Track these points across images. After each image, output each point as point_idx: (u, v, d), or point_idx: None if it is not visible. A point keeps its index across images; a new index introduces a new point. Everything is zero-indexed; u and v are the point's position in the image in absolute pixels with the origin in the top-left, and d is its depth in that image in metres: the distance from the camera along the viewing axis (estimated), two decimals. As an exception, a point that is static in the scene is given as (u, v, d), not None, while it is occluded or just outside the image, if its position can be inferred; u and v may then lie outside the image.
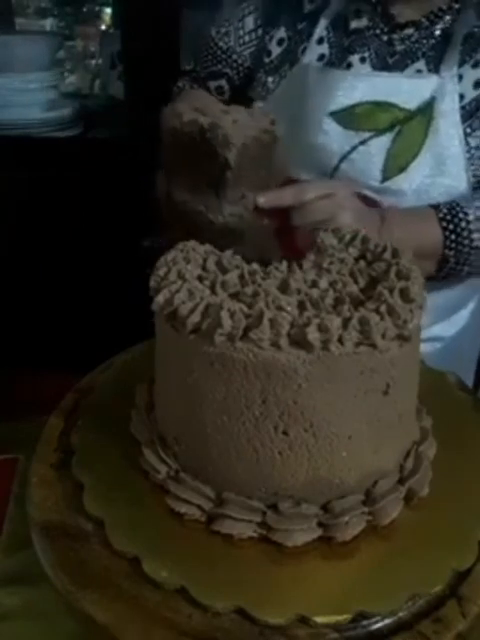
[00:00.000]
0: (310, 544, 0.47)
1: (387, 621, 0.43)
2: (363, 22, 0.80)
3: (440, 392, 0.60)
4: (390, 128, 0.74)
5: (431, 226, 0.70)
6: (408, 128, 0.75)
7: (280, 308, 0.45)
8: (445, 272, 0.73)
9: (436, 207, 0.71)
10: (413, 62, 0.77)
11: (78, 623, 0.48)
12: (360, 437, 0.47)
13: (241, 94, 0.88)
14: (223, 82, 0.90)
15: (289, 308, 0.45)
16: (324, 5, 0.82)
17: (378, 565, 0.46)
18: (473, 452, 0.55)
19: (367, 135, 0.76)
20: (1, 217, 1.38)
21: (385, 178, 0.75)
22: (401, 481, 0.50)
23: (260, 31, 0.86)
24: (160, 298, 0.47)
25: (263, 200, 0.61)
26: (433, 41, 0.77)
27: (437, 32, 0.76)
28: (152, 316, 0.50)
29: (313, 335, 0.42)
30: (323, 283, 0.49)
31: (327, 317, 0.43)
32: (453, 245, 0.70)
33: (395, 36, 0.78)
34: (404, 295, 0.46)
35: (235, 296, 0.47)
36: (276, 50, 0.84)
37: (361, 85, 0.77)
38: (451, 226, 0.69)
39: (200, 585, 0.44)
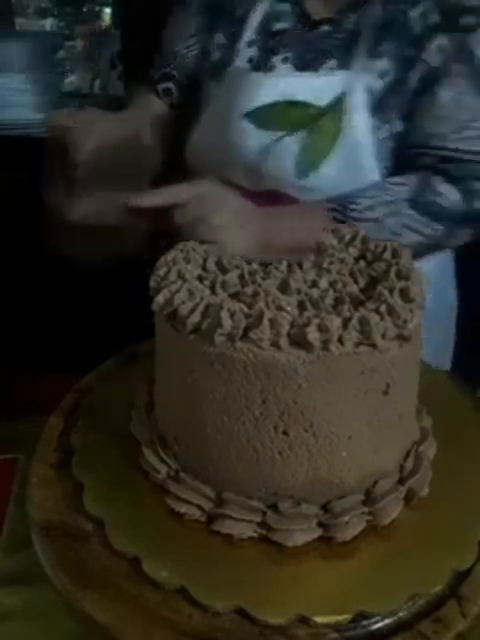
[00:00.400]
0: (310, 544, 0.47)
1: (387, 621, 0.43)
2: (284, 23, 0.81)
3: (440, 392, 0.60)
4: (302, 126, 0.75)
5: (321, 220, 0.69)
6: (320, 125, 0.75)
7: (280, 308, 0.45)
8: None
9: (330, 200, 0.71)
10: (328, 59, 0.78)
11: (78, 623, 0.48)
12: (360, 437, 0.47)
13: (191, 98, 0.89)
14: (171, 85, 0.91)
15: (289, 308, 0.45)
16: (251, 8, 0.83)
17: (378, 565, 0.46)
18: (473, 452, 0.55)
19: (281, 134, 0.77)
20: (1, 217, 1.38)
21: (301, 175, 0.76)
22: (401, 481, 0.50)
23: (202, 35, 0.88)
24: (160, 298, 0.47)
25: (133, 202, 0.62)
26: (344, 36, 0.78)
27: (349, 27, 0.77)
28: (152, 316, 0.50)
29: (313, 335, 0.42)
30: (323, 283, 0.49)
31: (327, 317, 0.43)
32: None
33: (312, 35, 0.79)
34: (404, 295, 0.46)
35: (235, 296, 0.47)
36: (216, 54, 0.86)
37: (280, 86, 0.78)
38: (340, 217, 0.69)
39: (200, 585, 0.44)
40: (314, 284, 0.48)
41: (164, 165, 0.83)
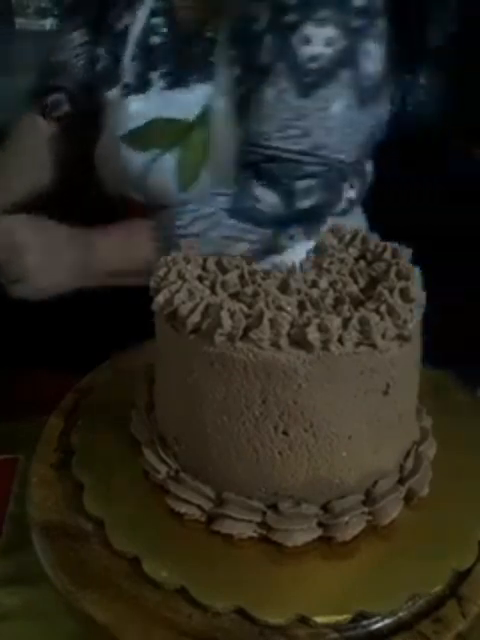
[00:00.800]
0: (310, 544, 0.47)
1: (387, 621, 0.43)
2: (160, 37, 0.81)
3: (440, 392, 0.60)
4: (176, 142, 0.75)
5: (143, 240, 0.71)
6: (191, 139, 0.76)
7: (280, 308, 0.45)
8: None
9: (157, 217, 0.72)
10: (195, 72, 0.78)
11: (78, 623, 0.48)
12: (360, 437, 0.47)
13: (87, 107, 0.89)
14: (61, 96, 0.91)
15: (289, 308, 0.45)
16: (130, 23, 0.83)
17: (378, 565, 0.46)
18: (473, 452, 0.55)
19: (157, 152, 0.78)
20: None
21: (183, 189, 0.77)
22: (401, 481, 0.50)
23: (87, 47, 0.88)
24: (160, 298, 0.47)
25: None
26: (205, 48, 0.78)
27: (209, 38, 0.77)
28: (152, 316, 0.50)
29: (313, 335, 0.42)
30: (323, 283, 0.49)
31: (327, 317, 0.43)
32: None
33: (183, 48, 0.79)
34: (404, 295, 0.46)
35: (235, 296, 0.47)
36: (100, 67, 0.87)
37: (152, 105, 0.79)
38: (164, 234, 0.70)
39: (200, 585, 0.44)
40: (314, 284, 0.48)
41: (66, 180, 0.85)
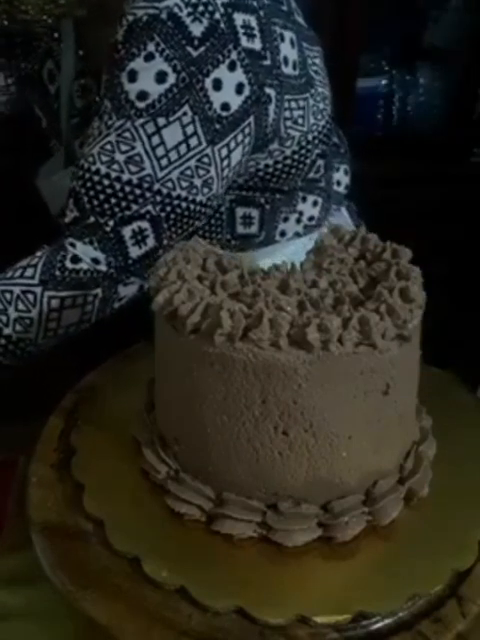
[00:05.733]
0: (310, 544, 0.47)
1: (387, 621, 0.43)
2: (89, 97, 0.79)
3: (440, 392, 0.60)
4: None
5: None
6: None
7: (280, 308, 0.45)
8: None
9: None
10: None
11: (78, 623, 0.48)
12: (360, 437, 0.47)
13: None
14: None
15: (289, 308, 0.45)
16: (61, 85, 0.81)
17: (378, 565, 0.46)
18: (473, 452, 0.55)
19: None
20: (1, 216, 1.38)
21: None
22: (401, 481, 0.50)
23: (21, 103, 0.88)
24: (160, 298, 0.47)
25: None
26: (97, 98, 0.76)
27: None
28: (152, 316, 0.50)
29: (313, 335, 0.42)
30: (323, 283, 0.48)
31: (327, 317, 0.43)
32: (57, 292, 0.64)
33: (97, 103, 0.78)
34: (404, 295, 0.46)
35: (235, 296, 0.47)
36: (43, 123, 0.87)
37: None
38: (46, 276, 0.64)
39: (200, 585, 0.44)
40: (314, 284, 0.48)
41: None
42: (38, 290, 0.63)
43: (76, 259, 0.64)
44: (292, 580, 0.45)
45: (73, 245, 0.64)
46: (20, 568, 0.58)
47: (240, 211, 0.76)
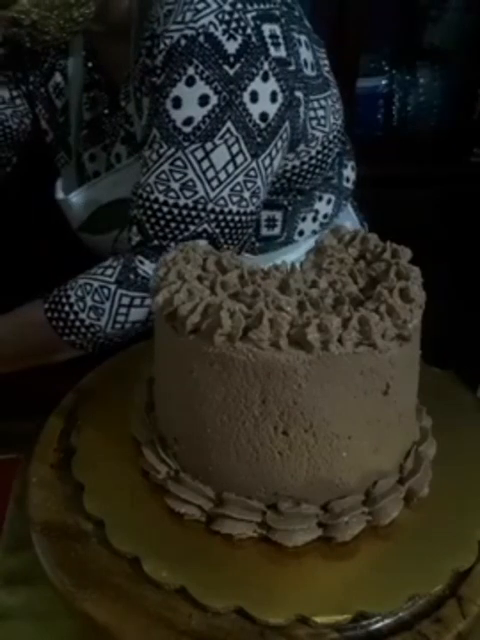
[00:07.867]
0: (310, 544, 0.47)
1: (387, 621, 0.43)
2: (95, 111, 0.81)
3: (440, 392, 0.60)
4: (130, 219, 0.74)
5: (38, 322, 0.71)
6: None
7: (280, 308, 0.45)
8: (79, 353, 0.73)
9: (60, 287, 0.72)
10: (118, 145, 0.79)
11: (78, 623, 0.48)
12: (360, 437, 0.47)
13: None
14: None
15: (289, 308, 0.45)
16: (69, 97, 0.82)
17: (378, 565, 0.46)
18: (473, 452, 0.55)
19: (116, 232, 0.80)
20: (1, 216, 1.38)
21: None
22: (401, 481, 0.50)
23: (28, 117, 0.89)
24: (160, 298, 0.47)
25: None
26: (125, 122, 0.78)
27: (128, 112, 0.77)
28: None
29: (313, 335, 0.42)
30: (323, 283, 0.49)
31: (327, 317, 0.43)
32: (67, 331, 0.70)
33: (113, 121, 0.80)
34: (404, 295, 0.46)
35: (235, 296, 0.47)
36: (49, 137, 0.88)
37: (92, 196, 0.80)
38: (56, 314, 0.70)
39: (200, 585, 0.44)
40: (314, 284, 0.48)
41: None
42: (113, 287, 0.69)
43: (146, 272, 0.70)
44: (292, 580, 0.45)
45: (142, 262, 0.70)
46: (20, 568, 0.59)
47: (265, 214, 0.79)
